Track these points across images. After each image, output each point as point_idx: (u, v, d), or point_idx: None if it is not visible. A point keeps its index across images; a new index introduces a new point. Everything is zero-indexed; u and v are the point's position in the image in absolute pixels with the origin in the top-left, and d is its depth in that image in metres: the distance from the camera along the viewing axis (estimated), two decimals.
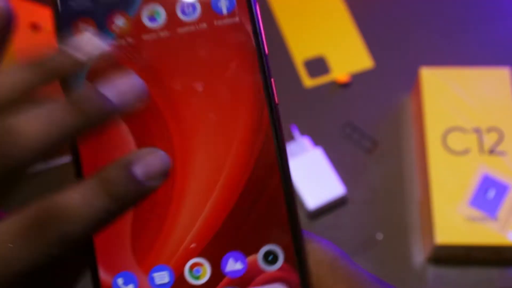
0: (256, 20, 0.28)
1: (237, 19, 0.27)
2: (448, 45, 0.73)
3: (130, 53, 0.26)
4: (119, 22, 0.26)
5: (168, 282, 0.25)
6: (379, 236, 0.63)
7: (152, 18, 0.26)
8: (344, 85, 0.71)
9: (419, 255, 0.62)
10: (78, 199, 0.22)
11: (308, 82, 0.71)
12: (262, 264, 0.25)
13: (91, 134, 0.23)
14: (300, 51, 0.73)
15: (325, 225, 0.63)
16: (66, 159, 0.67)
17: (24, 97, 0.22)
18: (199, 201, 0.25)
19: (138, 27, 0.26)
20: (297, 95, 0.70)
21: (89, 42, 0.23)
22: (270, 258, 0.25)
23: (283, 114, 0.74)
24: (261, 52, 0.28)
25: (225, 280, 0.25)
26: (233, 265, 0.25)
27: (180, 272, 0.25)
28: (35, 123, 0.21)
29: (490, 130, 0.62)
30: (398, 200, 0.64)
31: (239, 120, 0.26)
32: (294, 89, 0.70)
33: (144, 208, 0.25)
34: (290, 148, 0.65)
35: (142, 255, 0.25)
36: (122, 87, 0.23)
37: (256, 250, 0.26)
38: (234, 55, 0.27)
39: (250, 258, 0.25)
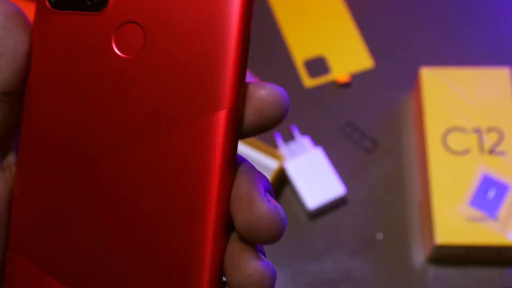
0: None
1: None
2: (448, 45, 0.73)
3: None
4: None
5: None
6: (379, 236, 0.63)
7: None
8: (344, 85, 0.71)
9: (419, 255, 0.62)
10: None
11: (308, 82, 0.71)
12: None
13: None
14: (300, 51, 0.73)
15: (325, 225, 0.63)
16: None
17: None
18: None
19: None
20: (297, 95, 0.70)
21: None
22: None
23: None
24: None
25: None
26: None
27: None
28: None
29: (490, 130, 0.62)
30: (398, 200, 0.64)
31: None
32: (294, 89, 0.70)
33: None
34: (290, 148, 0.65)
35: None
36: None
37: None
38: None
39: None
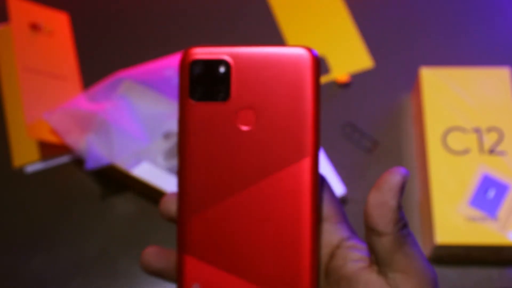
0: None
1: None
2: (448, 44, 0.73)
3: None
4: None
5: None
6: None
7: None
8: (344, 85, 0.71)
9: None
10: None
11: None
12: None
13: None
14: None
15: None
16: (65, 158, 0.67)
17: None
18: None
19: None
20: None
21: None
22: None
23: None
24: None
25: None
26: None
27: None
28: None
29: (490, 130, 0.62)
30: None
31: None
32: None
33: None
34: None
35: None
36: None
37: None
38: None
39: None
